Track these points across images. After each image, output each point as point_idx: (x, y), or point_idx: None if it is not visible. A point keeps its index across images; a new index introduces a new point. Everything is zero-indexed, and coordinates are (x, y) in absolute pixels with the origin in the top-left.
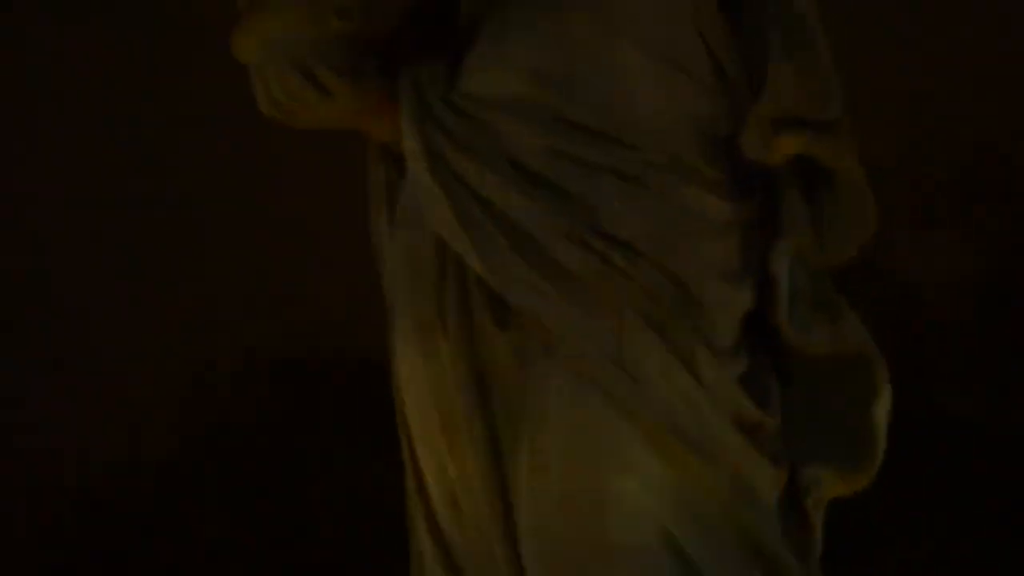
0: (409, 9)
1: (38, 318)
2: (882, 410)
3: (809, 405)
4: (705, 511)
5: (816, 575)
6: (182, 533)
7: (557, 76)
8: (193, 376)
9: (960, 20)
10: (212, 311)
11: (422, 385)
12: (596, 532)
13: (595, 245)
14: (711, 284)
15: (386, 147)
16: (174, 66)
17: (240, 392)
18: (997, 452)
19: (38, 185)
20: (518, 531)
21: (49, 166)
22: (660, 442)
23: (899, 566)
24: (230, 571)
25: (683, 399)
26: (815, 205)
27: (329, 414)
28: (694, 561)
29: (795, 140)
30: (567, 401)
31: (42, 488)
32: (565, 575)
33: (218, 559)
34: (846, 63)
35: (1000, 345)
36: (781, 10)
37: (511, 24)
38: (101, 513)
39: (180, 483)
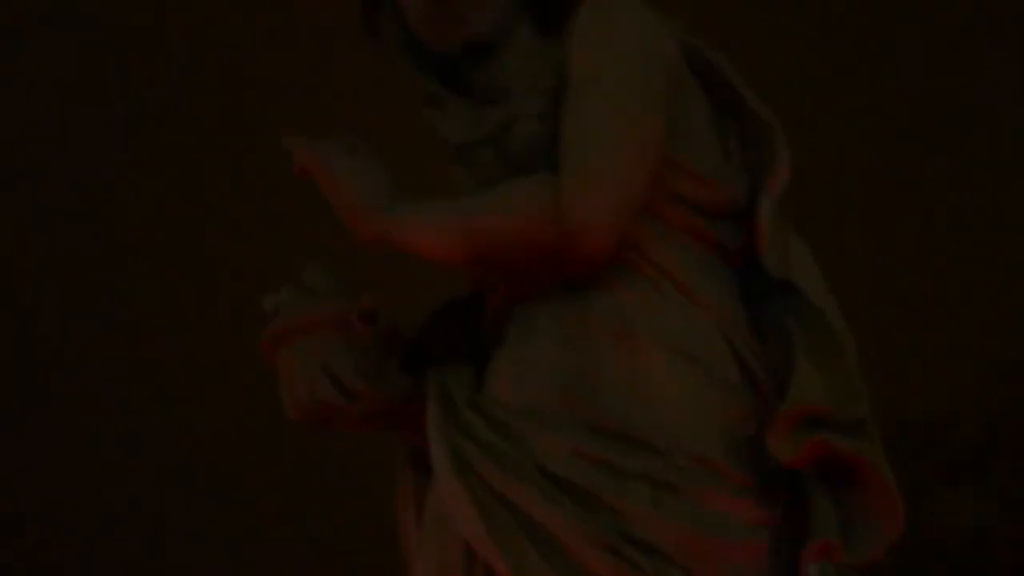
0: (432, 311)
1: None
2: None
3: None
4: None
5: None
6: None
7: (582, 383)
8: None
9: (985, 275)
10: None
11: None
12: None
13: (624, 551)
14: None
15: (413, 449)
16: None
17: None
18: None
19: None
20: None
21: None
22: None
23: None
24: None
25: None
26: (842, 504)
27: None
28: None
29: (821, 441)
30: None
31: None
32: None
33: None
34: (870, 327)
35: None
36: (803, 305)
37: (535, 326)
38: None
39: None
